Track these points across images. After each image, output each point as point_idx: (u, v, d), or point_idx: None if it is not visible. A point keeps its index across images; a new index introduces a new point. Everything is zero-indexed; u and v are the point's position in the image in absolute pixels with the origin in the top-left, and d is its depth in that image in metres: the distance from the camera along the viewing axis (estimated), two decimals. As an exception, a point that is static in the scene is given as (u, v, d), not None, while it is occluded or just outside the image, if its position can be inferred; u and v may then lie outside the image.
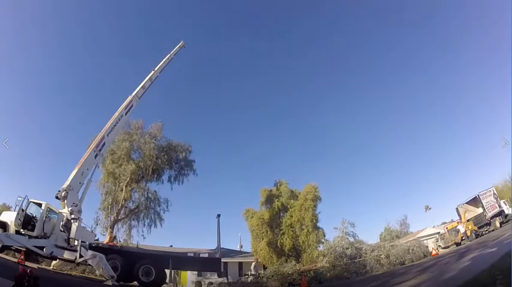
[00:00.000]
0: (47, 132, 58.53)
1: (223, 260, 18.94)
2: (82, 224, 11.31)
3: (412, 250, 17.29)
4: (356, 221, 67.38)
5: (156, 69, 16.48)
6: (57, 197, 10.50)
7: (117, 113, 13.74)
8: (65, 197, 10.37)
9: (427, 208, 43.64)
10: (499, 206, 21.03)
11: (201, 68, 69.27)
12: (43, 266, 12.38)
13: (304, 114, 72.80)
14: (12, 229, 9.91)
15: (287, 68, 75.00)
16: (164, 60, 17.06)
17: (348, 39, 72.16)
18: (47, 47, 55.41)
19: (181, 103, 64.48)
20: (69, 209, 10.56)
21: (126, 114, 14.33)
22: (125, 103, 14.24)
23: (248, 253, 27.03)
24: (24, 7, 50.40)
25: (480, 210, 21.14)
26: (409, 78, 68.49)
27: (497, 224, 20.06)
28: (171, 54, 17.59)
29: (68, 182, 10.67)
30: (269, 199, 25.11)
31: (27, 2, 51.67)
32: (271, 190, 25.96)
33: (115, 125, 13.51)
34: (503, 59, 47.01)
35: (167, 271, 14.07)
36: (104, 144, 12.91)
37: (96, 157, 12.37)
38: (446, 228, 23.56)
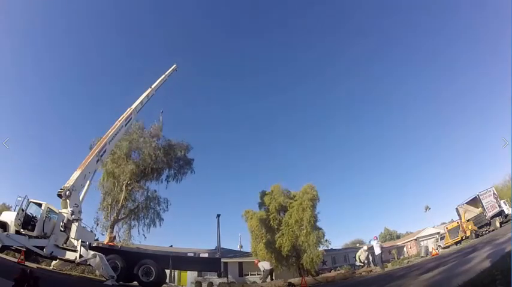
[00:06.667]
0: (47, 132, 58.60)
1: (223, 260, 18.93)
2: (82, 224, 11.34)
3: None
4: (356, 221, 67.78)
5: (152, 87, 17.60)
6: (59, 196, 10.52)
7: (118, 123, 14.48)
8: (68, 197, 10.45)
9: (427, 208, 43.67)
10: (499, 206, 21.02)
11: (202, 67, 69.37)
12: (43, 266, 12.38)
13: (304, 115, 72.88)
14: (12, 229, 9.88)
15: (287, 66, 75.07)
16: (159, 80, 18.39)
17: (349, 38, 72.22)
18: (48, 48, 55.47)
19: (182, 104, 64.52)
20: (71, 209, 10.61)
21: (125, 125, 15.22)
22: (125, 115, 15.07)
23: (248, 253, 27.05)
24: (26, 8, 50.43)
25: (480, 210, 21.13)
26: (409, 79, 68.60)
27: (497, 224, 20.06)
28: (165, 75, 19.04)
29: (71, 182, 10.73)
30: (267, 200, 25.11)
31: (29, 3, 51.71)
32: (270, 191, 25.92)
33: (116, 135, 14.25)
34: (503, 59, 47.06)
35: (167, 271, 14.06)
36: (106, 151, 13.60)
37: (97, 161, 12.78)
38: (447, 228, 23.59)
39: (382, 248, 16.74)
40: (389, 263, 19.40)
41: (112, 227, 22.10)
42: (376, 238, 17.67)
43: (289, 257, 22.94)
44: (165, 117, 25.27)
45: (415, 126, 71.02)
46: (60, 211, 10.95)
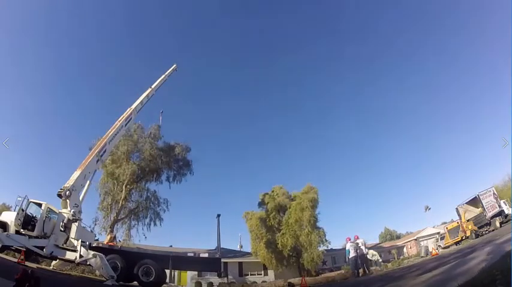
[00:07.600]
0: (47, 132, 58.59)
1: (223, 260, 18.94)
2: (82, 224, 11.34)
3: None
4: (356, 221, 67.94)
5: (152, 87, 17.61)
6: (59, 196, 10.56)
7: (118, 123, 14.50)
8: (68, 197, 10.49)
9: (427, 208, 43.65)
10: (499, 206, 21.00)
11: (202, 66, 69.38)
12: (43, 266, 12.37)
13: (304, 114, 72.89)
14: (12, 229, 9.88)
15: (287, 65, 75.10)
16: (159, 80, 18.45)
17: (350, 37, 72.24)
18: (48, 47, 55.47)
19: (182, 104, 64.56)
20: (71, 210, 10.63)
21: (125, 125, 15.24)
22: (125, 115, 15.07)
23: (248, 253, 27.06)
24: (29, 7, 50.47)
25: (480, 210, 21.12)
26: (409, 78, 68.64)
27: (497, 224, 20.04)
28: (165, 75, 19.06)
29: (71, 182, 10.78)
30: (267, 200, 25.15)
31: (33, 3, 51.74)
32: (271, 191, 25.96)
33: (116, 134, 14.24)
34: (503, 59, 47.09)
35: (167, 271, 14.05)
36: (106, 151, 13.60)
37: (97, 161, 12.79)
38: (447, 228, 23.60)
39: (357, 251, 13.32)
40: (389, 263, 19.42)
41: (112, 227, 22.12)
42: (350, 239, 14.08)
43: (290, 257, 22.97)
44: (165, 117, 25.29)
45: (415, 126, 71.08)
46: (60, 211, 10.95)
